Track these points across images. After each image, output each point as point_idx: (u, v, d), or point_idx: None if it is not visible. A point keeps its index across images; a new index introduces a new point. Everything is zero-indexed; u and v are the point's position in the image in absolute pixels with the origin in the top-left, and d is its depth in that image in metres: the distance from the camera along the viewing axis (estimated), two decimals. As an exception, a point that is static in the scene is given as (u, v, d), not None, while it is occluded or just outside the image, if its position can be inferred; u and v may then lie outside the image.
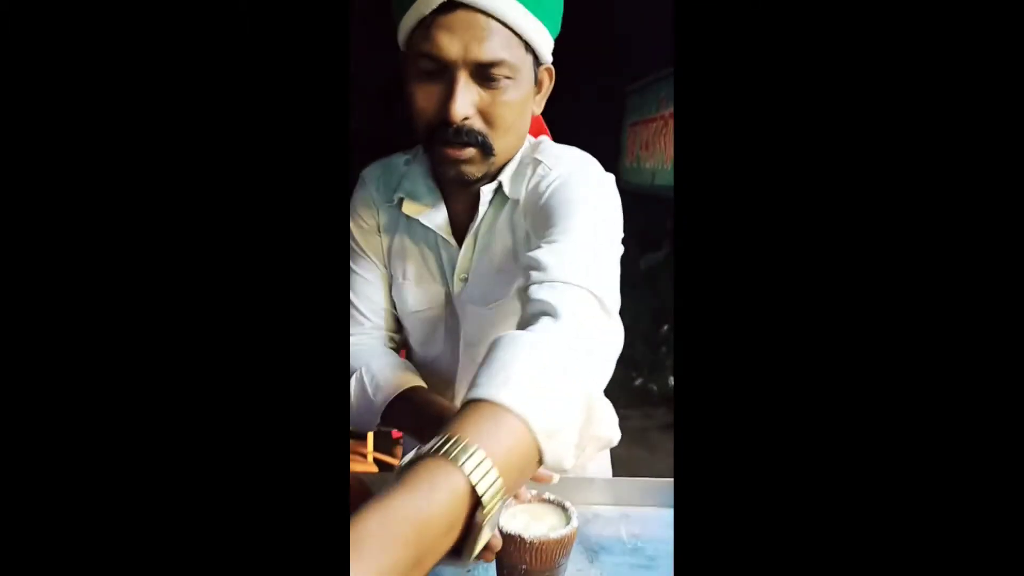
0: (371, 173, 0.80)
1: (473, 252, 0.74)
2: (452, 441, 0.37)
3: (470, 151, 0.64)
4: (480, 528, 0.36)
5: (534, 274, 0.56)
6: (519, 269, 0.66)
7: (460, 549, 0.37)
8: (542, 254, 0.57)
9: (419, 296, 0.79)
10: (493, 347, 0.46)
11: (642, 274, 3.79)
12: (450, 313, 0.79)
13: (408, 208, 0.75)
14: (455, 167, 0.65)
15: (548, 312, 0.51)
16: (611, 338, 0.54)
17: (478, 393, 0.41)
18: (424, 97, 0.62)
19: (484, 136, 0.64)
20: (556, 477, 0.55)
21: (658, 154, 3.83)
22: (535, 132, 0.79)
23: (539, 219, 0.64)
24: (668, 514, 0.65)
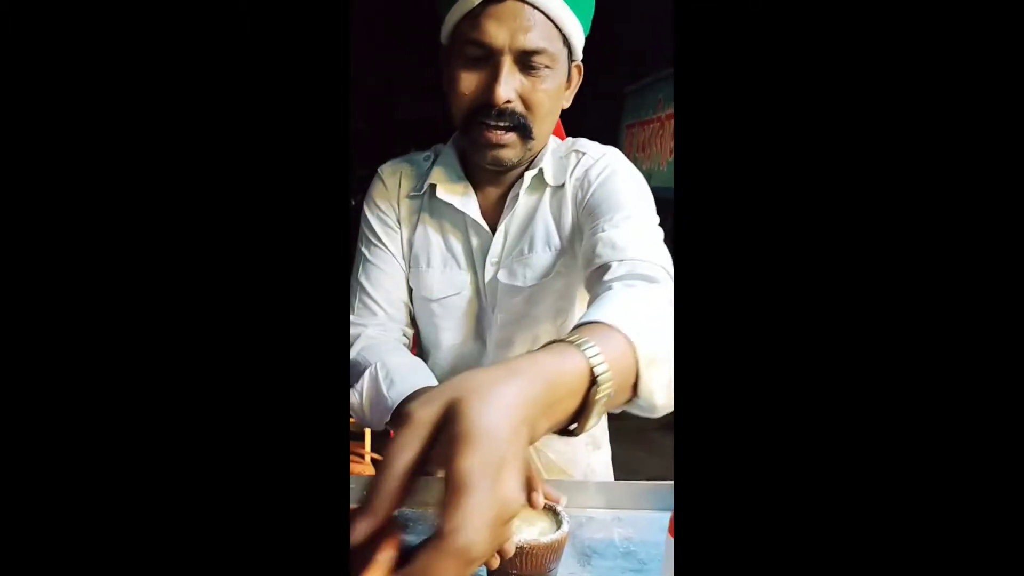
0: (390, 168, 0.83)
1: (506, 237, 0.77)
2: (576, 334, 0.42)
3: (511, 136, 0.68)
4: (593, 405, 0.40)
5: (610, 252, 0.62)
6: (557, 252, 0.75)
7: (574, 422, 0.41)
8: (616, 235, 0.64)
9: (444, 283, 0.80)
10: (599, 296, 0.50)
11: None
12: (478, 299, 0.81)
13: (441, 193, 0.77)
14: (494, 150, 0.69)
15: (642, 278, 0.58)
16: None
17: (592, 316, 0.45)
18: (468, 82, 0.67)
19: (524, 119, 0.68)
20: (564, 500, 0.59)
21: (654, 156, 3.83)
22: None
23: (596, 205, 0.70)
24: (661, 517, 0.65)
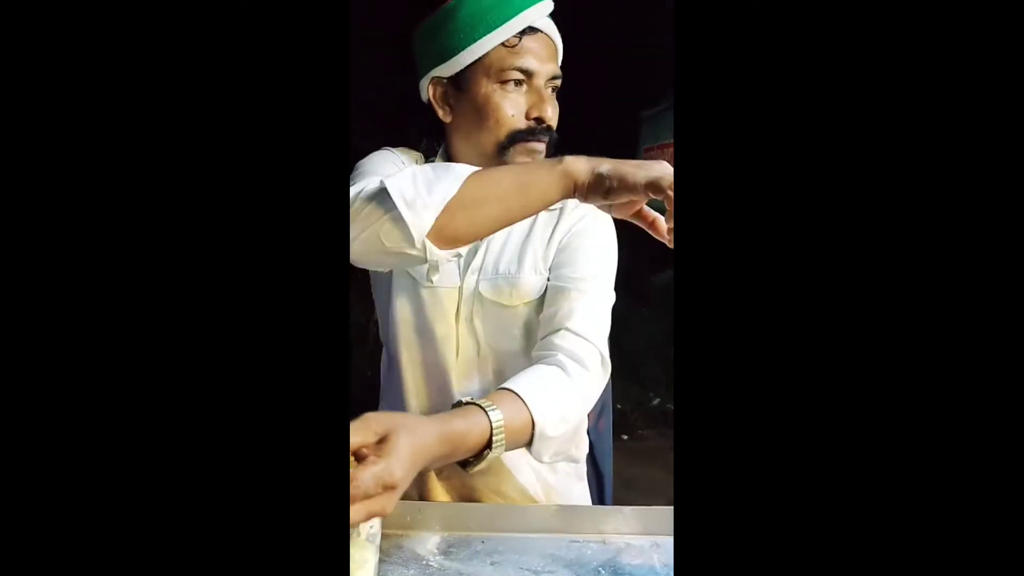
0: (389, 150, 0.81)
1: (487, 250, 0.81)
2: (490, 400, 0.62)
3: (544, 147, 0.77)
4: (483, 459, 0.61)
5: (563, 319, 0.74)
6: (543, 278, 0.80)
7: (466, 464, 0.61)
8: (575, 303, 0.75)
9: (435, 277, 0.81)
10: (533, 365, 0.71)
11: (656, 292, 3.79)
12: (457, 304, 0.80)
13: None
14: (535, 158, 0.76)
15: (575, 360, 0.72)
16: (599, 389, 0.76)
17: (512, 384, 0.65)
18: (512, 104, 0.75)
19: (554, 133, 0.78)
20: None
21: (672, 178, 3.86)
22: None
23: (571, 250, 0.80)
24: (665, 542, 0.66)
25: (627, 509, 0.72)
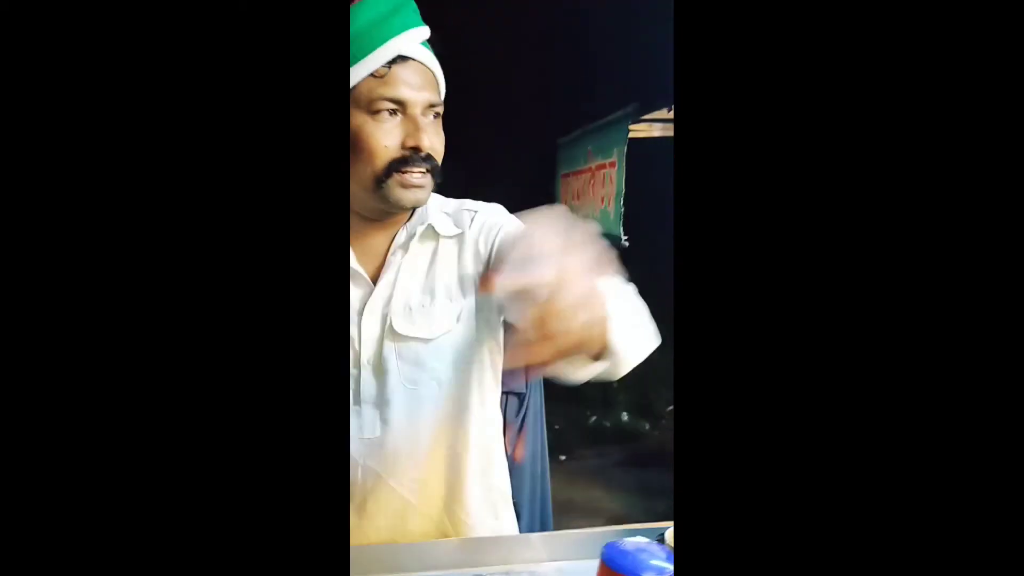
0: None
1: (393, 288, 0.79)
2: None
3: (427, 177, 0.76)
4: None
5: None
6: (459, 303, 0.80)
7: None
8: None
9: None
10: None
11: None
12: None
13: None
14: (415, 192, 0.76)
15: None
16: None
17: None
18: (386, 134, 0.74)
19: (435, 161, 0.77)
20: None
21: (589, 203, 4.00)
22: None
23: (508, 244, 0.78)
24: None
25: (534, 536, 0.72)
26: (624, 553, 0.50)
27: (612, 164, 3.16)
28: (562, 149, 4.68)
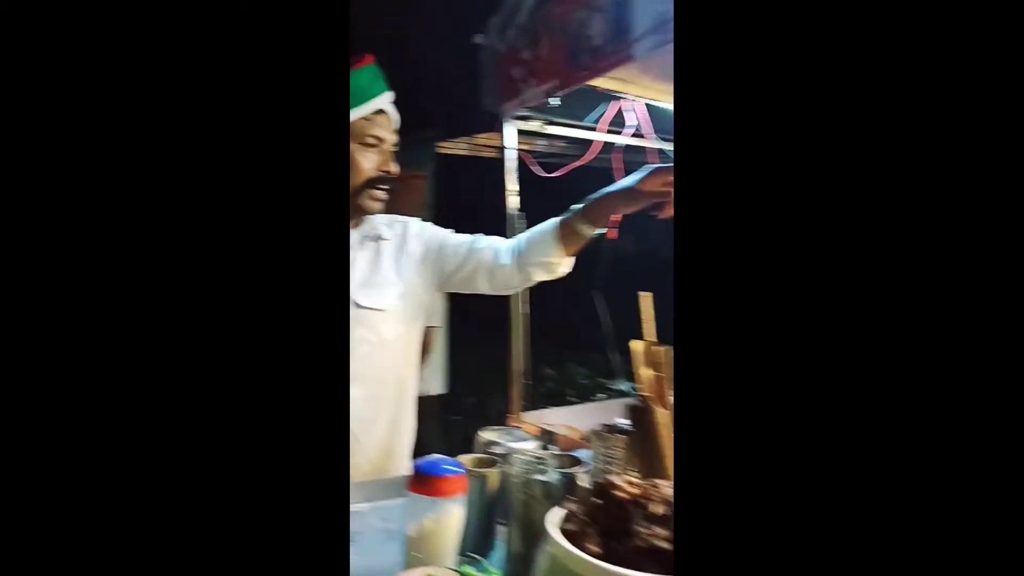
0: None
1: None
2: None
3: (386, 194, 1.12)
4: None
5: (472, 239, 1.18)
6: (400, 284, 1.15)
7: None
8: (465, 238, 1.19)
9: None
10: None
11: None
12: None
13: None
14: (379, 204, 1.12)
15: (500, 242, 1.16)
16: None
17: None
18: (368, 159, 1.09)
19: (395, 183, 1.13)
20: None
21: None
22: None
23: (435, 235, 1.19)
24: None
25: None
26: (428, 462, 0.71)
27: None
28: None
